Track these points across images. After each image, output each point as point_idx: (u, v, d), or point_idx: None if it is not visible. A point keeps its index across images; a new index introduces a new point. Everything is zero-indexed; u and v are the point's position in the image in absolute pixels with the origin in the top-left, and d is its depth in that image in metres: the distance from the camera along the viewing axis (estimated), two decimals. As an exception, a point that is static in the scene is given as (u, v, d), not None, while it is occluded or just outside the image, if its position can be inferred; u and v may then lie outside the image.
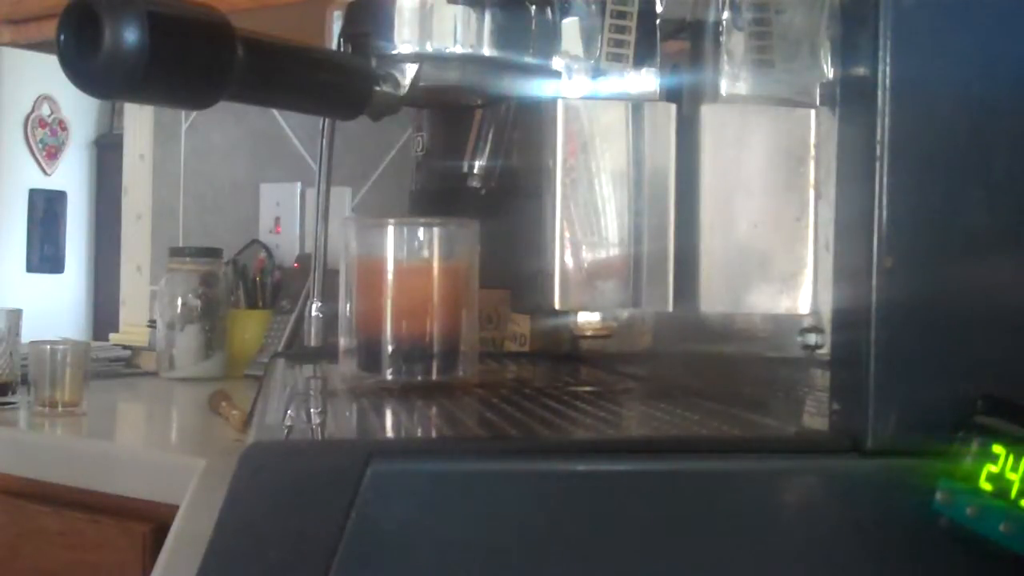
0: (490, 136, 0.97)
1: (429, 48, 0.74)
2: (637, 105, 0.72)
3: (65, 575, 1.23)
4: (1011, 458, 0.56)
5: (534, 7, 0.75)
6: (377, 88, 0.72)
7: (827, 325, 0.67)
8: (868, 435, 0.62)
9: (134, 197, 2.21)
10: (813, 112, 0.69)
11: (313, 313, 0.74)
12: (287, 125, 1.97)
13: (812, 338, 0.68)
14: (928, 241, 0.62)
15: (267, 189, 2.00)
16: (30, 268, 3.86)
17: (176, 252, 1.80)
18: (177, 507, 0.99)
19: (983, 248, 0.63)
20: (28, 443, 1.30)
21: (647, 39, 0.73)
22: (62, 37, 0.57)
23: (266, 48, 0.64)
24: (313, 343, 0.74)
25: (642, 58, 0.73)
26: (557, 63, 0.74)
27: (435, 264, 0.88)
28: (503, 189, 0.98)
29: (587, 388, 0.90)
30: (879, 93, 0.62)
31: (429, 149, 1.00)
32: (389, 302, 0.87)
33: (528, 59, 0.75)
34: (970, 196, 0.63)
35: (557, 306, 0.72)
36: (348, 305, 0.88)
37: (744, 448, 0.64)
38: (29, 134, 3.83)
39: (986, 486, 0.57)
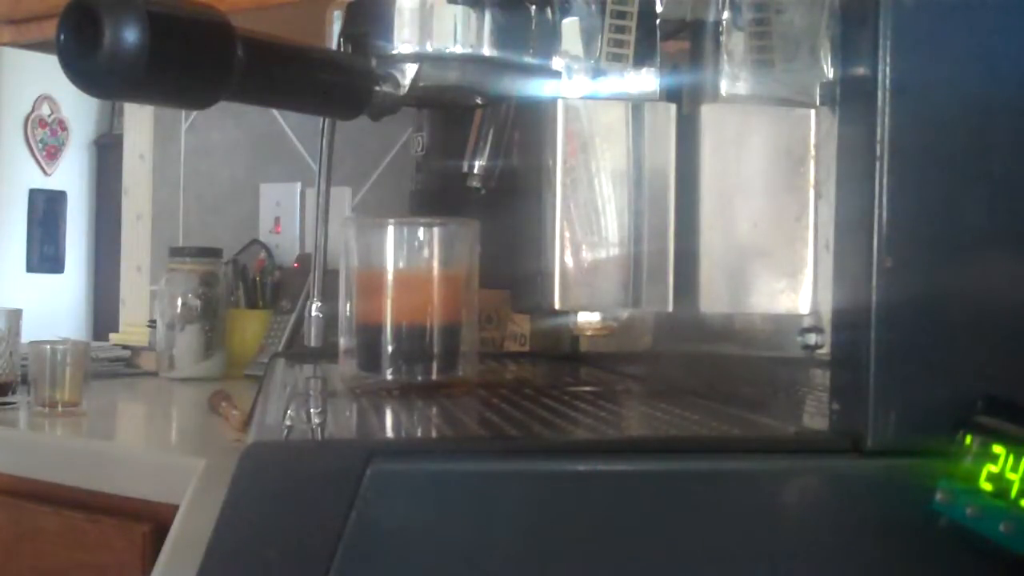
0: (490, 136, 0.96)
1: (429, 48, 0.74)
2: (637, 105, 0.72)
3: (65, 575, 1.22)
4: (1011, 458, 0.56)
5: (534, 7, 0.75)
6: (377, 88, 0.72)
7: (827, 325, 0.67)
8: (868, 435, 0.62)
9: (134, 197, 2.21)
10: (813, 112, 0.69)
11: (313, 313, 0.74)
12: (287, 125, 1.97)
13: (812, 338, 0.68)
14: (928, 241, 0.62)
15: (267, 189, 2.00)
16: (30, 268, 3.86)
17: (176, 252, 1.80)
18: (177, 507, 0.99)
19: (983, 248, 0.63)
20: (28, 443, 1.30)
21: (647, 39, 0.73)
22: (62, 37, 0.57)
23: (266, 48, 0.64)
24: (313, 343, 0.74)
25: (642, 58, 0.73)
26: (557, 63, 0.74)
27: (435, 264, 0.88)
28: (503, 189, 0.98)
29: (587, 388, 0.90)
30: (879, 93, 0.62)
31: (429, 149, 1.00)
32: (389, 302, 0.87)
33: (528, 59, 0.75)
34: (970, 196, 0.63)
35: (557, 306, 0.72)
36: (348, 305, 0.88)
37: (744, 448, 0.64)
38: (29, 134, 3.83)
39: (986, 486, 0.57)
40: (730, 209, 0.70)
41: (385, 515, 0.58)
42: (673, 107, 0.72)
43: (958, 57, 0.63)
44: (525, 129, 0.96)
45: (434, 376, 0.87)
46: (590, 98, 0.72)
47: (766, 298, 0.70)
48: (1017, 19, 0.63)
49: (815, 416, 0.67)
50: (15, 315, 1.47)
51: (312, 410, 0.69)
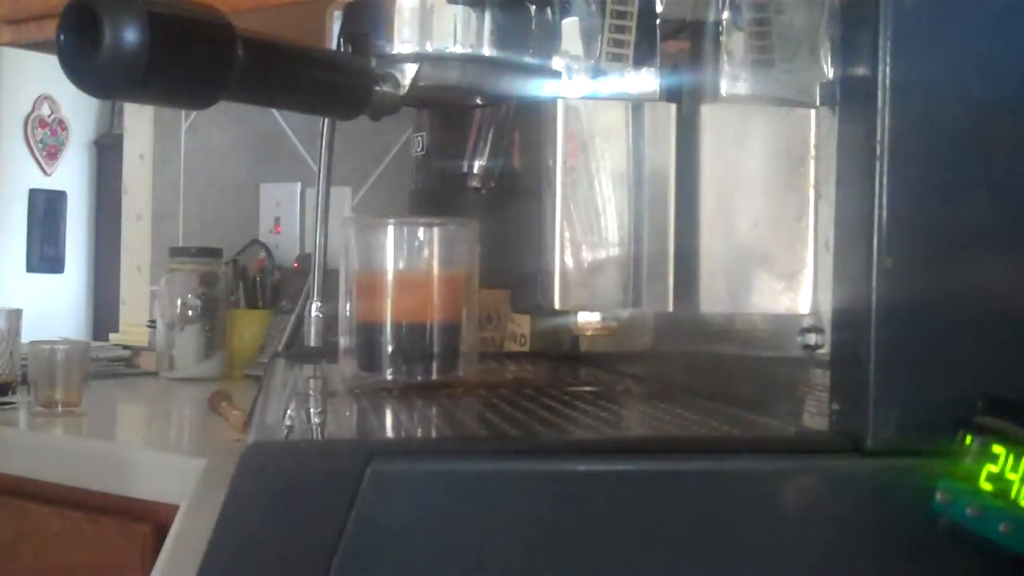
0: (490, 136, 0.97)
1: (429, 48, 0.74)
2: (637, 105, 0.72)
3: (65, 575, 1.23)
4: (1011, 458, 0.56)
5: (534, 7, 0.75)
6: (377, 88, 0.72)
7: (827, 325, 0.67)
8: (868, 435, 0.62)
9: (134, 197, 2.21)
10: (813, 112, 0.69)
11: (313, 313, 0.74)
12: (287, 125, 1.97)
13: (812, 338, 0.68)
14: (928, 241, 0.62)
15: (267, 189, 2.00)
16: (30, 268, 3.86)
17: (176, 252, 1.80)
18: (177, 507, 0.99)
19: (983, 248, 0.63)
20: (28, 443, 1.30)
21: (647, 39, 0.73)
22: (62, 37, 0.57)
23: (266, 48, 0.64)
24: (313, 343, 0.74)
25: (642, 58, 0.73)
26: (557, 63, 0.74)
27: (435, 264, 0.87)
28: (503, 189, 0.98)
29: (587, 388, 0.90)
30: (879, 93, 0.62)
31: (429, 149, 1.00)
32: (389, 302, 0.87)
33: (528, 59, 0.75)
34: (970, 196, 0.63)
35: (557, 306, 0.72)
36: (348, 305, 0.88)
37: (744, 448, 0.64)
38: (29, 134, 3.83)
39: (986, 486, 0.57)
40: (730, 209, 0.70)
41: (385, 515, 0.58)
42: (673, 107, 0.72)
43: (958, 57, 0.63)
44: (525, 129, 0.96)
45: (434, 376, 0.87)
46: (590, 98, 0.72)
47: (766, 298, 0.70)
48: (1017, 19, 0.63)
49: (815, 416, 0.67)
50: (15, 315, 1.48)
51: (312, 410, 0.69)
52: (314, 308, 0.74)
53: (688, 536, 0.60)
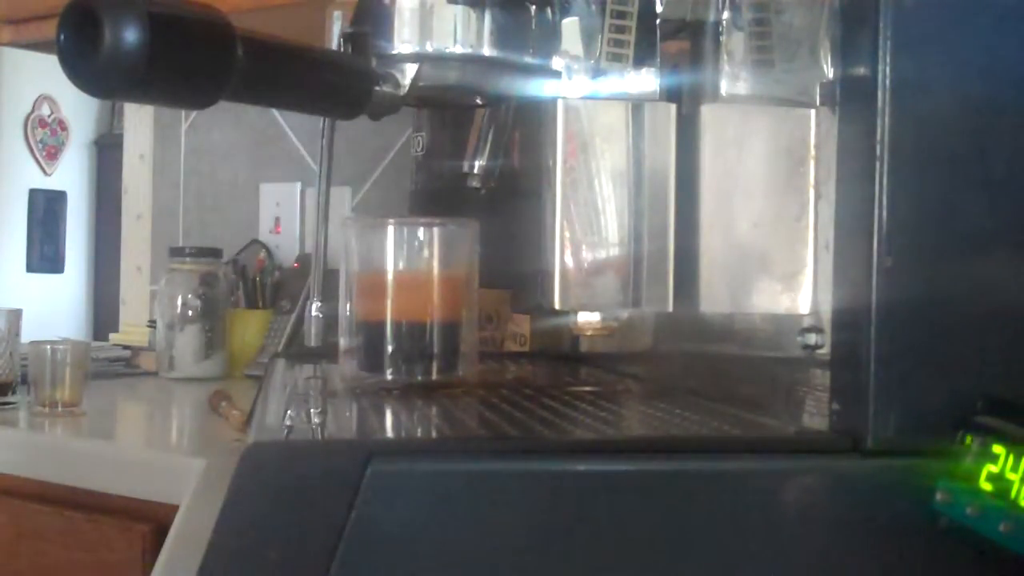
0: (490, 136, 0.97)
1: (429, 48, 0.74)
2: (637, 105, 0.72)
3: (65, 575, 1.22)
4: (1011, 458, 0.56)
5: (534, 7, 0.75)
6: (377, 88, 0.72)
7: (827, 325, 0.67)
8: (868, 435, 0.62)
9: (134, 197, 2.21)
10: (813, 112, 0.69)
11: (313, 313, 0.74)
12: (287, 125, 1.97)
13: (812, 338, 0.68)
14: (928, 241, 0.62)
15: (267, 189, 2.00)
16: (30, 268, 3.86)
17: (176, 252, 1.80)
18: (177, 507, 0.99)
19: (983, 248, 0.63)
20: (28, 443, 1.30)
21: (647, 39, 0.73)
22: (62, 37, 0.57)
23: (266, 48, 0.64)
24: (313, 343, 0.74)
25: (642, 58, 0.73)
26: (557, 63, 0.74)
27: (435, 264, 0.88)
28: (503, 189, 0.98)
29: (587, 388, 0.90)
30: (879, 93, 0.62)
31: (429, 149, 1.00)
32: (389, 302, 0.87)
33: (528, 59, 0.75)
34: (970, 196, 0.63)
35: (557, 306, 0.72)
36: (348, 305, 0.88)
37: (744, 448, 0.64)
38: (29, 134, 3.83)
39: (986, 486, 0.57)
40: (730, 209, 0.70)
41: (385, 515, 0.58)
42: (673, 107, 0.72)
43: (958, 57, 0.63)
44: (525, 129, 0.96)
45: (434, 376, 0.87)
46: (590, 98, 0.72)
47: (766, 298, 0.70)
48: (1017, 19, 0.63)
49: (815, 416, 0.67)
50: (15, 315, 1.47)
51: (312, 410, 0.69)
52: (314, 308, 0.74)
53: (688, 536, 0.60)
